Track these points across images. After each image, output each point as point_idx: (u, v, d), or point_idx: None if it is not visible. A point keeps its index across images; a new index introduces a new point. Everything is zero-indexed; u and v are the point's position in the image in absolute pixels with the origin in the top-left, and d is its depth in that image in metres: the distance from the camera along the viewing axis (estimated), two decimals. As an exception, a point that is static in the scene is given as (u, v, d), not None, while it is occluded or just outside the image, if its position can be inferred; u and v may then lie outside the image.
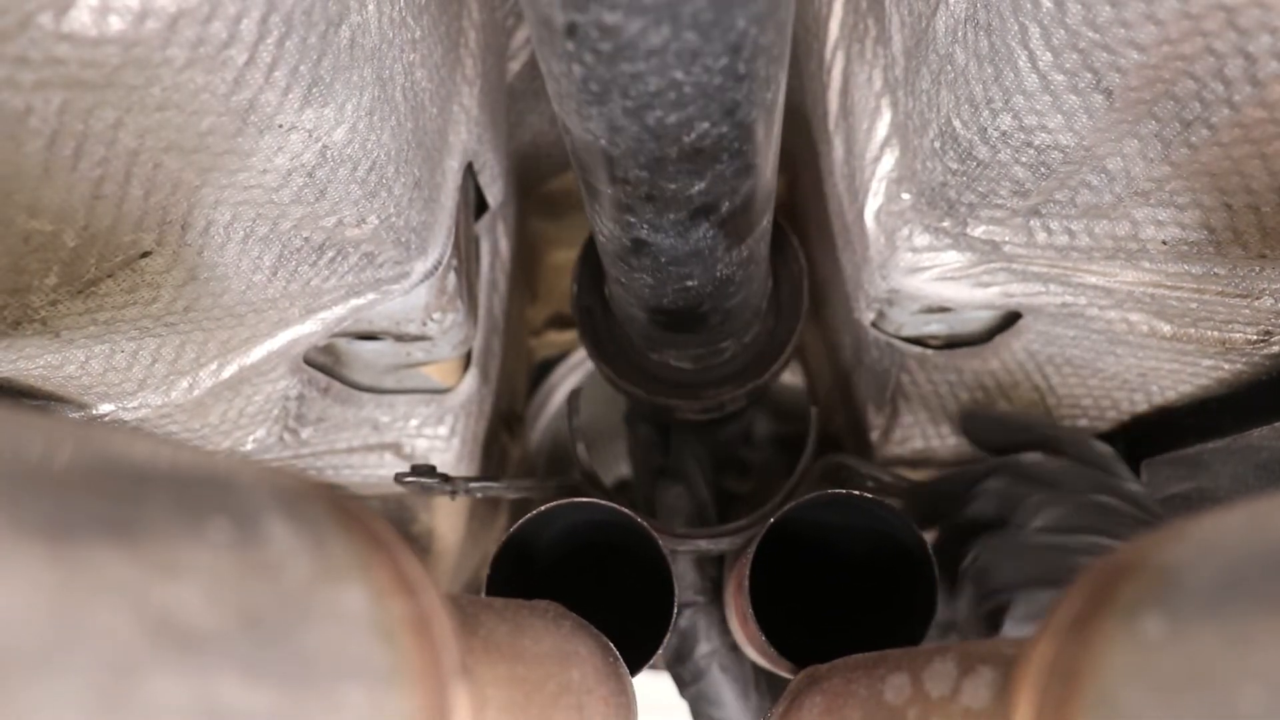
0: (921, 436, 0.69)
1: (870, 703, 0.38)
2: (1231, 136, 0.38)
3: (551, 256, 1.07)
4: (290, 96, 0.37)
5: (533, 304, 1.09)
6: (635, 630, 0.50)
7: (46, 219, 0.36)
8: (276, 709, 0.21)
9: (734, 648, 0.67)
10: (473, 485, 0.35)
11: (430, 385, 0.68)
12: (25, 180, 0.34)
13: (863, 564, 0.62)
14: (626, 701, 0.43)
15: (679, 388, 0.60)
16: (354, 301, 0.51)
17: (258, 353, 0.50)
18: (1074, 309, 0.52)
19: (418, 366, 0.66)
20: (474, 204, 0.66)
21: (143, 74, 0.32)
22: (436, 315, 0.58)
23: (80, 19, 0.30)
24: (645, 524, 0.52)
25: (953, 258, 0.52)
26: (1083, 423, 0.63)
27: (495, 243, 0.73)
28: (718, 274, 0.44)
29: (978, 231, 0.50)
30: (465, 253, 0.62)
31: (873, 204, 0.54)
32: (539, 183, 0.91)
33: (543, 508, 0.51)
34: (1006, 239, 0.49)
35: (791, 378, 1.14)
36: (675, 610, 0.52)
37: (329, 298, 0.50)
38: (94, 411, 0.47)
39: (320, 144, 0.40)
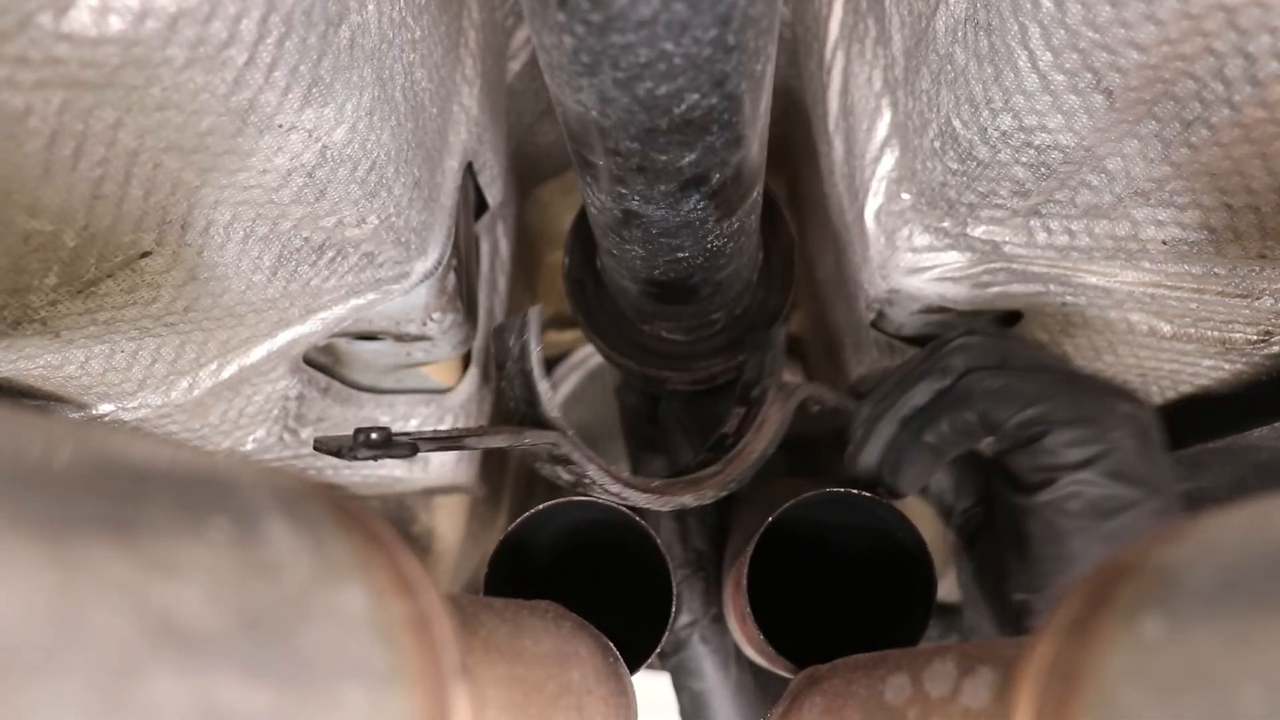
0: (921, 436, 0.68)
1: (870, 703, 0.38)
2: (1232, 136, 0.38)
3: (551, 256, 1.07)
4: (290, 96, 0.37)
5: (533, 304, 1.09)
6: (633, 629, 0.50)
7: (46, 219, 0.36)
8: (276, 709, 0.21)
9: (716, 619, 0.67)
10: (424, 438, 0.34)
11: (430, 385, 0.68)
12: (25, 180, 0.34)
13: (860, 563, 0.62)
14: (626, 702, 0.43)
15: (670, 359, 0.60)
16: (354, 301, 0.51)
17: (258, 353, 0.50)
18: (1074, 309, 0.52)
19: (418, 366, 0.66)
20: (474, 204, 0.66)
21: (142, 74, 0.32)
22: (436, 315, 0.58)
23: (80, 19, 0.30)
24: (642, 522, 0.52)
25: (953, 258, 0.52)
26: (1083, 423, 0.63)
27: (495, 242, 0.73)
28: (708, 245, 0.44)
29: (978, 231, 0.50)
30: (465, 253, 0.62)
31: (873, 204, 0.54)
32: (539, 182, 0.91)
33: (540, 506, 0.51)
34: (1006, 239, 0.49)
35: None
36: (674, 609, 0.52)
37: (329, 298, 0.50)
38: (94, 411, 0.47)
39: (320, 144, 0.40)
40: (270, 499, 0.24)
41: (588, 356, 1.12)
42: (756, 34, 0.30)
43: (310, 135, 0.39)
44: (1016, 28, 0.38)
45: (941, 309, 0.60)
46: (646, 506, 0.50)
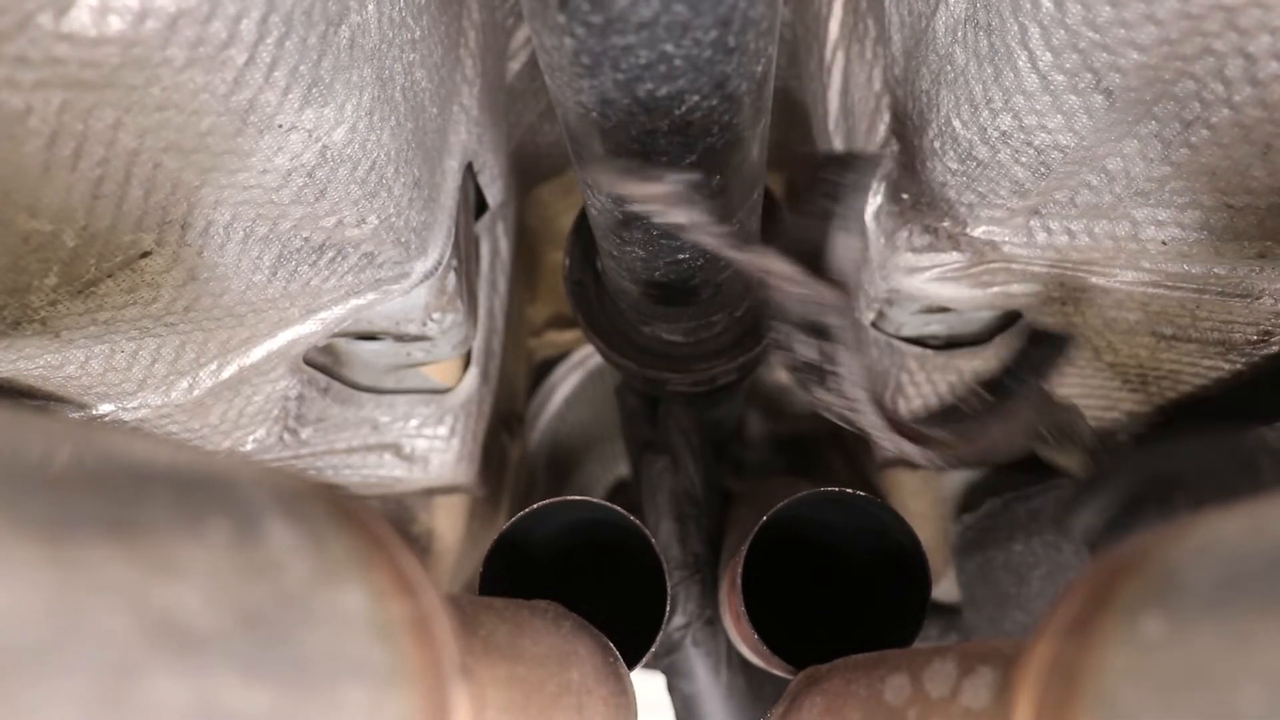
0: (921, 436, 0.69)
1: (870, 703, 0.38)
2: (1231, 137, 0.38)
3: (551, 256, 1.07)
4: (290, 96, 0.37)
5: (532, 304, 1.09)
6: (629, 628, 0.51)
7: (46, 219, 0.36)
8: (276, 709, 0.21)
9: (710, 622, 0.67)
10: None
11: (430, 385, 0.68)
12: (25, 180, 0.34)
13: (857, 562, 0.62)
14: (626, 702, 0.43)
15: (671, 360, 0.60)
16: (354, 301, 0.51)
17: (257, 353, 0.50)
18: (1074, 309, 0.52)
19: (417, 366, 0.66)
20: (474, 204, 0.66)
21: (142, 74, 0.32)
22: (436, 315, 0.58)
23: (80, 19, 0.30)
24: (637, 522, 0.52)
25: (952, 258, 0.52)
26: (1082, 423, 0.63)
27: (495, 243, 0.73)
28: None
29: (977, 231, 0.50)
30: (465, 253, 0.62)
31: (873, 204, 0.54)
32: (539, 182, 0.91)
33: (535, 505, 0.51)
34: (1006, 239, 0.49)
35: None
36: (669, 609, 0.52)
37: (329, 298, 0.50)
38: (94, 411, 0.47)
39: (320, 144, 0.40)
40: (270, 499, 0.24)
41: (588, 356, 1.12)
42: (757, 35, 0.30)
43: (310, 135, 0.39)
44: (1016, 28, 0.38)
45: (942, 309, 0.60)
46: (870, 432, 0.43)
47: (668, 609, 0.52)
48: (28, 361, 0.42)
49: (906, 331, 0.64)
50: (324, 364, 0.63)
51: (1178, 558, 0.24)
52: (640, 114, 0.32)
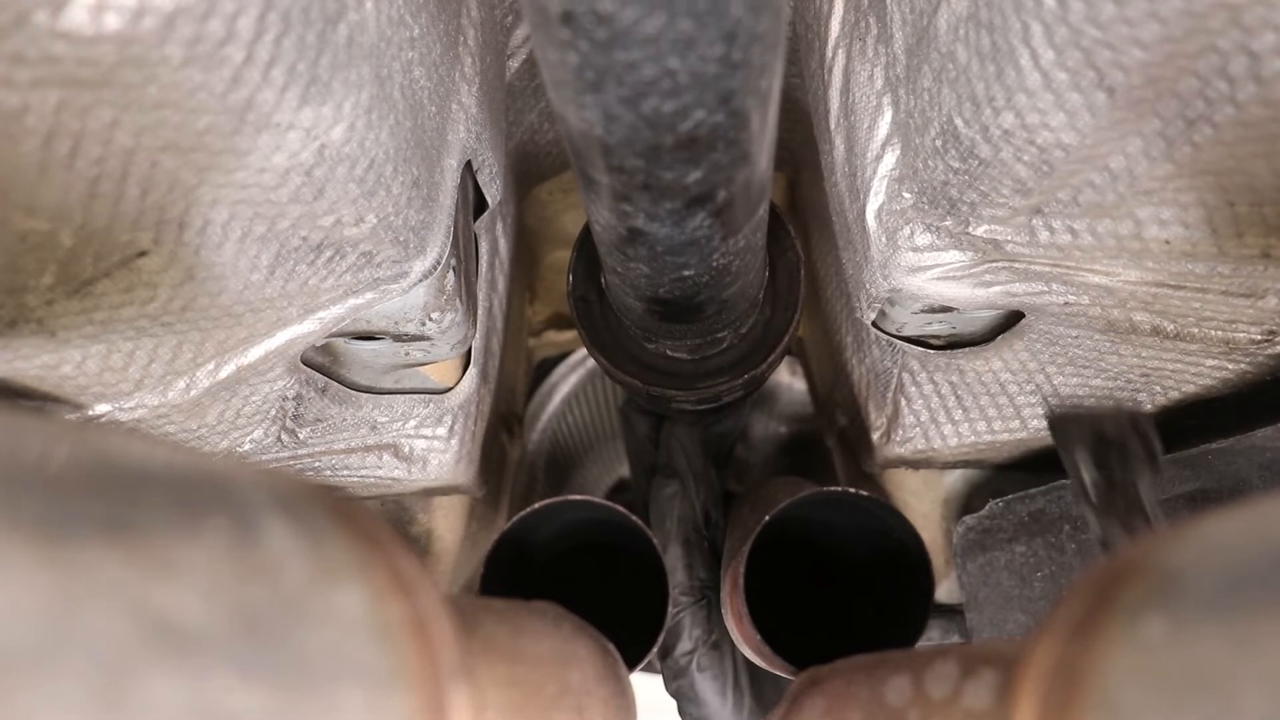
0: (923, 436, 0.68)
1: (871, 704, 0.38)
2: (1235, 135, 0.38)
3: (550, 256, 1.06)
4: (288, 95, 0.37)
5: (532, 304, 1.09)
6: (630, 629, 0.50)
7: (43, 218, 0.36)
8: (274, 711, 0.20)
9: (715, 646, 0.69)
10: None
11: (429, 385, 0.67)
12: (21, 179, 0.34)
13: (859, 563, 0.62)
14: (626, 704, 0.43)
15: (675, 378, 0.60)
16: (352, 301, 0.50)
17: (255, 353, 0.49)
18: (1077, 308, 0.52)
19: (416, 366, 0.65)
20: (473, 203, 0.66)
21: (139, 72, 0.32)
22: (435, 315, 0.58)
23: (76, 17, 0.29)
24: (638, 522, 0.52)
25: (954, 257, 0.52)
26: (1084, 423, 0.63)
27: (494, 242, 0.73)
28: (714, 263, 0.44)
29: (980, 230, 0.50)
30: (464, 252, 0.62)
31: (874, 203, 0.54)
32: (538, 181, 0.91)
33: (536, 505, 0.51)
34: (1009, 238, 0.49)
35: (790, 379, 1.14)
36: (670, 610, 0.52)
37: (327, 297, 0.50)
38: (90, 412, 0.47)
39: (318, 143, 0.40)
40: (268, 500, 0.23)
41: (587, 356, 1.12)
42: (763, 50, 0.30)
43: (308, 134, 0.39)
44: (1019, 25, 0.38)
45: (943, 308, 0.59)
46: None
47: (669, 610, 0.52)
48: (24, 361, 0.42)
49: (908, 331, 0.64)
50: (322, 364, 0.62)
51: (1180, 559, 0.24)
52: (645, 130, 0.32)
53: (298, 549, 0.23)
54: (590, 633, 0.44)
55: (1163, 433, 0.59)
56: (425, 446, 0.68)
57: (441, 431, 0.68)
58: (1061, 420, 0.55)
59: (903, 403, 0.68)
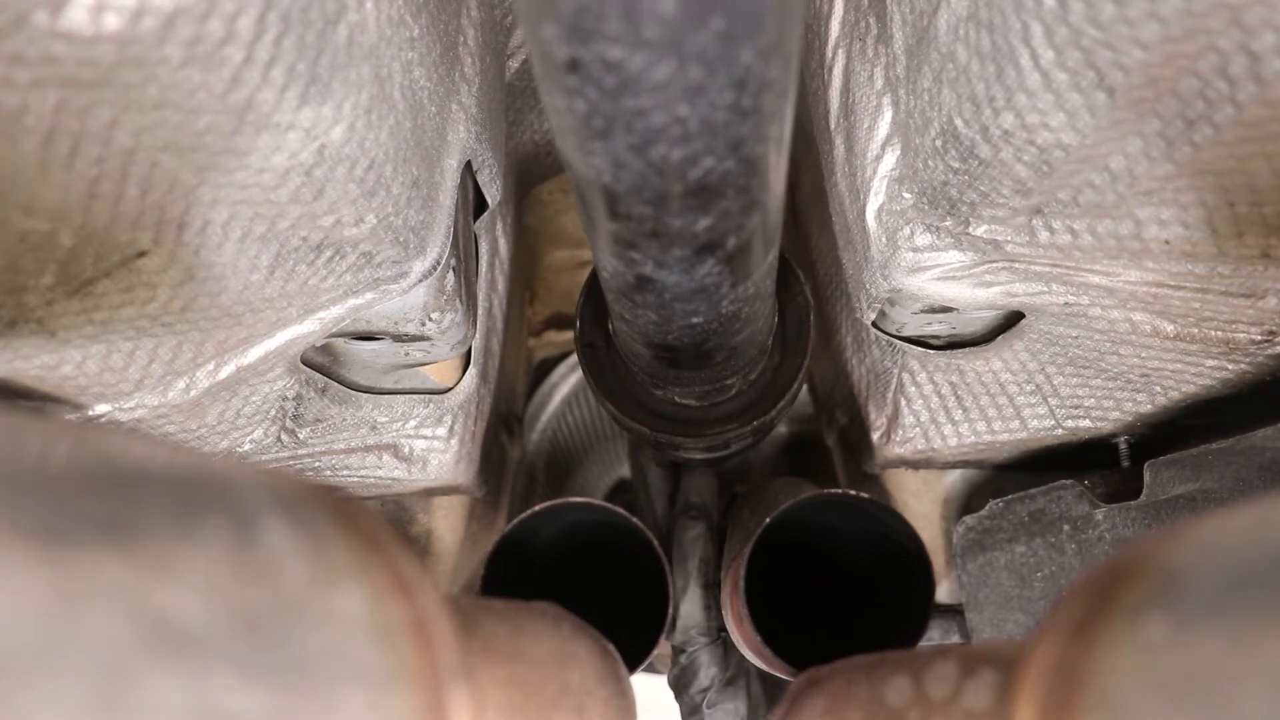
0: (923, 437, 0.68)
1: (871, 704, 0.38)
2: (1235, 135, 0.38)
3: (550, 256, 1.06)
4: (287, 95, 0.37)
5: (532, 304, 1.09)
6: (630, 629, 0.51)
7: (43, 218, 0.36)
8: (274, 711, 0.20)
9: (729, 683, 0.71)
10: None
11: (429, 385, 0.67)
12: (21, 179, 0.34)
13: (860, 565, 0.62)
14: (626, 704, 0.43)
15: (684, 425, 0.60)
16: (352, 301, 0.50)
17: (255, 353, 0.49)
18: (1077, 309, 0.52)
19: (416, 366, 0.65)
20: (473, 203, 0.66)
21: (139, 72, 0.32)
22: (435, 315, 0.58)
23: (76, 17, 0.29)
24: (639, 523, 0.52)
25: (954, 257, 0.52)
26: (1085, 424, 0.63)
27: (494, 242, 0.73)
28: (723, 310, 0.44)
29: (979, 231, 0.50)
30: (464, 252, 0.62)
31: (874, 203, 0.54)
32: (538, 181, 0.91)
33: (537, 507, 0.51)
34: (1008, 238, 0.49)
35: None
36: (670, 611, 0.52)
37: (327, 297, 0.50)
38: (90, 412, 0.47)
39: (318, 143, 0.40)
40: (268, 501, 0.23)
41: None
42: (774, 97, 0.30)
43: (308, 134, 0.39)
44: (1019, 25, 0.38)
45: (943, 308, 0.59)
46: None
47: (670, 611, 0.52)
48: (24, 362, 0.42)
49: (908, 331, 0.64)
50: (322, 364, 0.62)
51: (1180, 559, 0.24)
52: (653, 177, 0.31)
53: (298, 549, 0.23)
54: (590, 633, 0.44)
55: (1163, 433, 0.59)
56: (425, 446, 0.68)
57: (441, 432, 0.68)
58: None
59: (903, 403, 0.68)
